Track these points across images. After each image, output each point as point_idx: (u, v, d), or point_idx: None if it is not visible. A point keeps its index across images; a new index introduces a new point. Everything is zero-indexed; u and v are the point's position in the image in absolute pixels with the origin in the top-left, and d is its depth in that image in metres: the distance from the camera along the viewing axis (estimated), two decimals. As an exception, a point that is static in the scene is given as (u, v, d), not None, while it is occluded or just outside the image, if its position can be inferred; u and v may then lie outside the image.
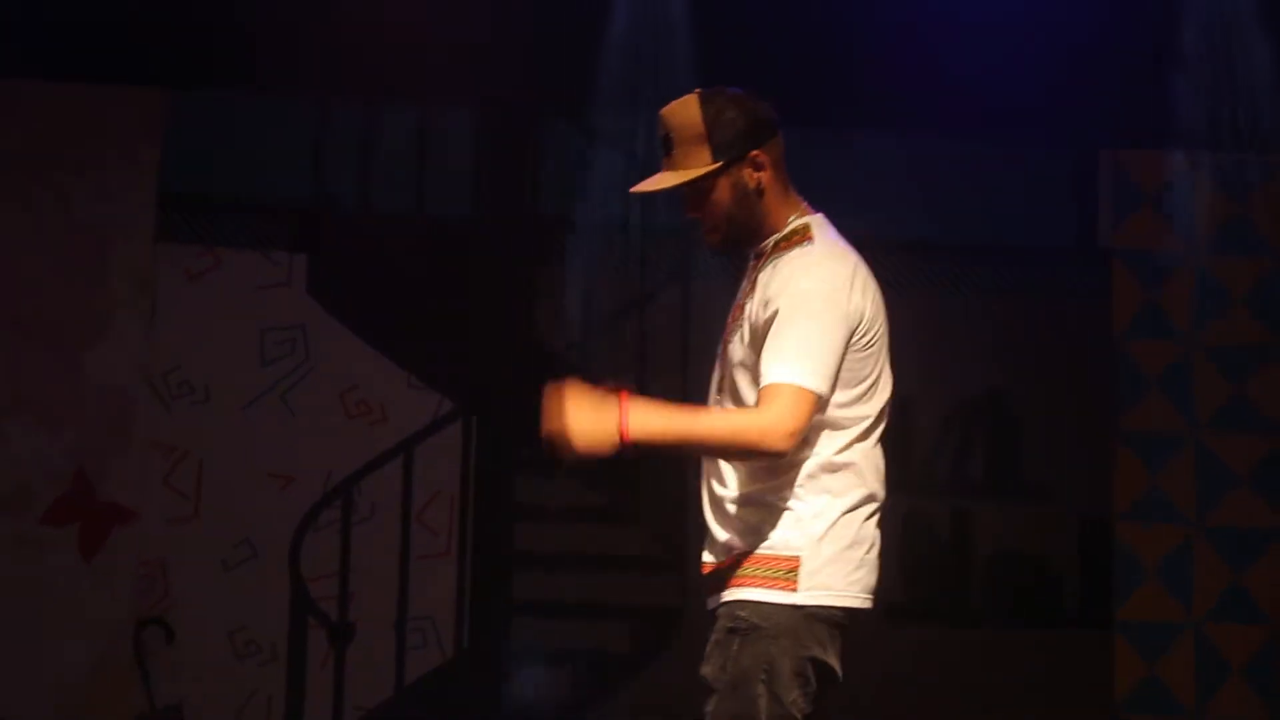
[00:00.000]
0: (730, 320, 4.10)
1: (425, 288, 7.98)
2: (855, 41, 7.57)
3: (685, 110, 4.05)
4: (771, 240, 4.07)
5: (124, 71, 7.66)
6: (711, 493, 4.07)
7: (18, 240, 7.60)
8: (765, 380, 3.92)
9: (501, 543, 7.95)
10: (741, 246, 4.10)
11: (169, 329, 7.77)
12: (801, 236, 4.07)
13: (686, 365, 7.68)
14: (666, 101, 4.11)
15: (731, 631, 3.98)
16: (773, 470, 4.00)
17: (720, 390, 4.09)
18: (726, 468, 4.04)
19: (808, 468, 4.03)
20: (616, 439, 3.85)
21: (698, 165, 4.02)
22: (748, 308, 4.03)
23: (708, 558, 4.08)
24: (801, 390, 3.90)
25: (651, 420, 3.88)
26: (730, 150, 4.03)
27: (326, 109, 8.11)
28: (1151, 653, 8.11)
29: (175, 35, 7.56)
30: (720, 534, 4.06)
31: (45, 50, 7.54)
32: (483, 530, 7.94)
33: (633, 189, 4.13)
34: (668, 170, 4.05)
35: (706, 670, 3.99)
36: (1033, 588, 8.32)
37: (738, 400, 4.03)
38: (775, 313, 3.96)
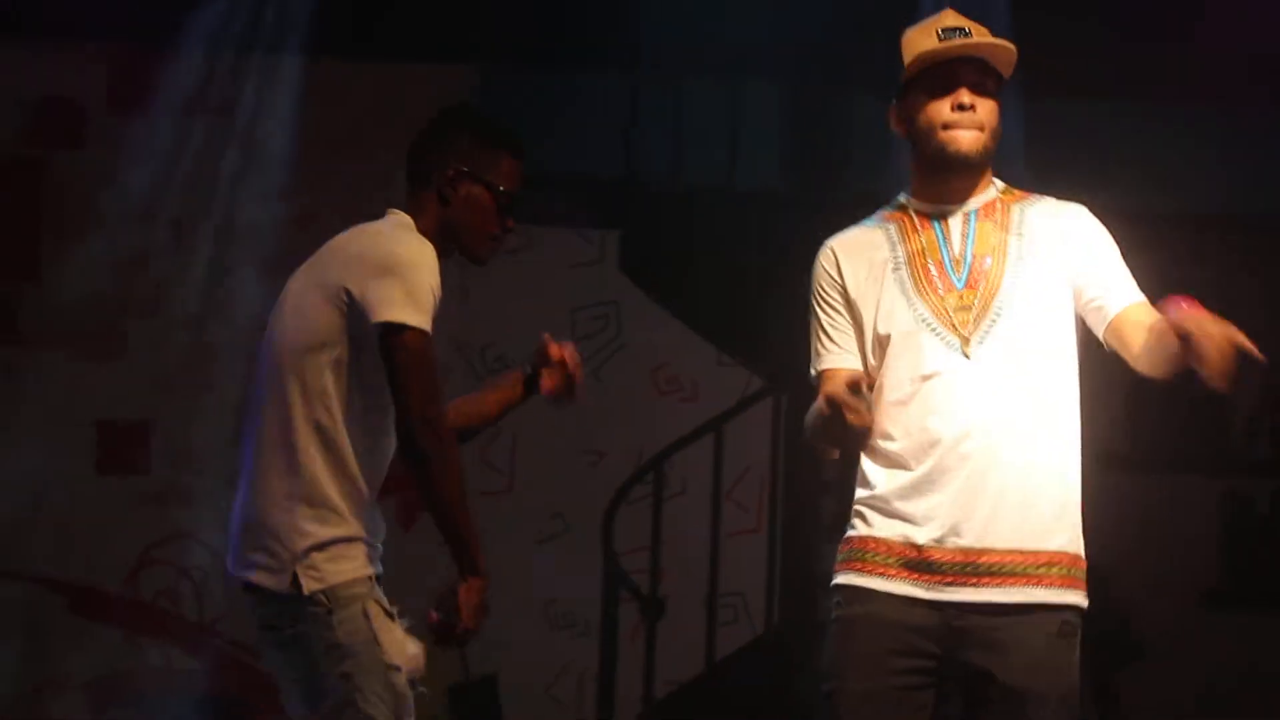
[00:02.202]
0: (974, 270, 3.87)
1: (736, 264, 7.98)
2: (1161, 13, 7.42)
3: (979, 25, 3.91)
4: (994, 192, 3.95)
5: (435, 50, 7.75)
6: (1005, 473, 3.83)
7: (342, 220, 7.72)
8: (1138, 297, 3.86)
9: (811, 519, 7.93)
10: (970, 173, 3.90)
11: (483, 306, 7.83)
12: (1023, 191, 4.00)
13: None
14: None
15: (1062, 638, 3.84)
16: (1071, 459, 3.88)
17: (973, 348, 3.83)
18: (1034, 451, 3.84)
19: (1079, 457, 3.94)
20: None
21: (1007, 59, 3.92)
22: (1025, 255, 3.87)
23: (987, 543, 3.82)
24: None
25: None
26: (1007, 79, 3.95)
27: (637, 85, 8.13)
28: None
29: (486, 12, 7.64)
30: (1048, 520, 3.85)
31: (358, 30, 7.67)
32: (793, 507, 7.94)
33: (958, 44, 3.87)
34: (974, 41, 3.86)
35: (1037, 683, 3.81)
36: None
37: (1030, 353, 3.84)
38: (1103, 245, 3.91)
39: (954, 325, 3.87)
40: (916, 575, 3.83)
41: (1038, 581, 3.82)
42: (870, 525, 3.88)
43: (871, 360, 3.95)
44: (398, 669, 4.02)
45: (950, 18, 3.92)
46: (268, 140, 7.72)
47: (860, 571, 3.88)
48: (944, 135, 3.87)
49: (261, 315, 4.32)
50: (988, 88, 3.88)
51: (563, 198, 8.03)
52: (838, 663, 3.88)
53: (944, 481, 3.82)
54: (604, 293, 8.02)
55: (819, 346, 4.03)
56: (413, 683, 4.05)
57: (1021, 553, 3.82)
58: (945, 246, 3.91)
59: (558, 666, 7.90)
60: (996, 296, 3.87)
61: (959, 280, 3.89)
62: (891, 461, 3.86)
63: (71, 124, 7.77)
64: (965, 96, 3.85)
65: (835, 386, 3.79)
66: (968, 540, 3.82)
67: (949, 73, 3.88)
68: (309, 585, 4.02)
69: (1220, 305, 3.76)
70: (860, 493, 3.92)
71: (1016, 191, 3.99)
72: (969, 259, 3.90)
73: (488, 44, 7.75)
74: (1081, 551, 3.90)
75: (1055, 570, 3.84)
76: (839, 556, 3.93)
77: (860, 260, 3.95)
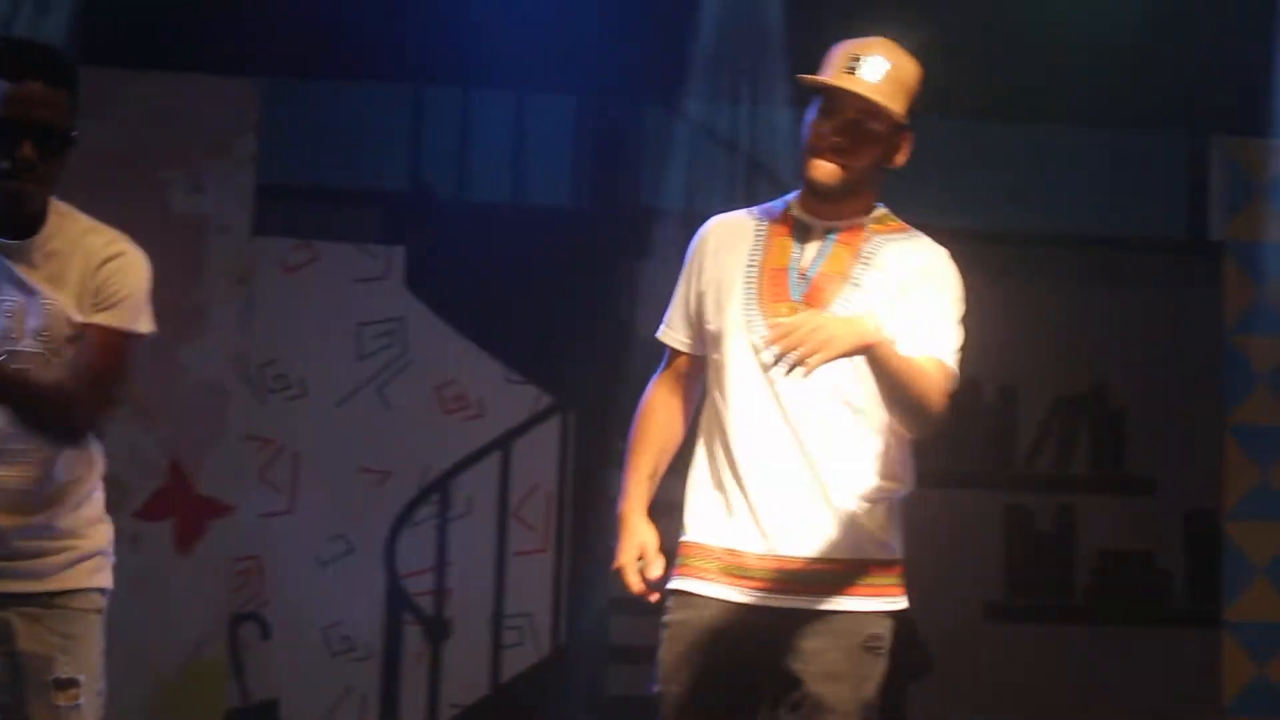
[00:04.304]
0: (815, 286, 3.95)
1: (524, 280, 7.94)
2: (963, 33, 7.48)
3: (905, 56, 4.01)
4: (865, 218, 4.01)
5: (218, 62, 7.62)
6: (818, 481, 3.93)
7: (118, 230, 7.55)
8: (936, 354, 3.88)
9: (600, 539, 7.87)
10: (832, 199, 3.98)
11: (265, 323, 7.76)
12: (898, 224, 4.06)
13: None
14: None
15: (866, 650, 3.93)
16: (891, 463, 3.95)
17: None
18: (847, 455, 3.92)
19: (909, 465, 4.02)
20: (873, 335, 3.72)
21: (897, 107, 3.97)
22: (862, 282, 3.94)
23: (799, 550, 3.91)
24: (955, 376, 3.93)
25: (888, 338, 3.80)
26: (911, 118, 4.01)
27: (421, 96, 8.04)
28: (1261, 654, 7.97)
29: (269, 25, 7.51)
30: (828, 529, 3.92)
31: (138, 41, 7.51)
32: (581, 526, 7.91)
33: (819, 80, 3.99)
34: (863, 88, 3.94)
35: (837, 691, 3.89)
36: (1139, 585, 8.22)
37: (853, 371, 3.90)
38: (927, 292, 3.94)
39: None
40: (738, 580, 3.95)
41: (841, 590, 3.92)
42: (695, 531, 4.00)
43: (708, 350, 4.05)
44: None
45: (878, 46, 4.01)
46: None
47: (689, 577, 3.99)
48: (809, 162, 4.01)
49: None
50: (874, 128, 3.98)
51: (346, 211, 7.96)
52: None
53: (757, 489, 3.92)
54: (389, 309, 7.92)
55: (670, 315, 4.12)
56: None
57: (799, 557, 3.92)
58: (798, 258, 3.98)
59: (339, 690, 7.77)
60: (826, 308, 3.92)
61: (797, 292, 3.94)
62: (717, 462, 3.97)
63: None
64: (830, 132, 3.97)
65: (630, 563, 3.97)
66: (785, 549, 3.93)
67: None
68: None
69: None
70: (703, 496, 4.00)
71: (893, 223, 4.05)
72: (813, 275, 3.95)
73: (269, 55, 7.63)
74: (887, 555, 3.98)
75: (841, 577, 3.92)
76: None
77: (727, 247, 4.03)
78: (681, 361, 4.11)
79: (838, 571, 3.91)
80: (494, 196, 8.04)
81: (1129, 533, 8.21)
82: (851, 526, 3.91)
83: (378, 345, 7.90)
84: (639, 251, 7.99)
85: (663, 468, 4.11)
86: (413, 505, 7.87)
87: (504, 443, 7.93)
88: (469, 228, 8.00)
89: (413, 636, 7.84)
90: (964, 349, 3.97)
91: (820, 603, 3.91)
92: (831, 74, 3.94)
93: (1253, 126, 7.92)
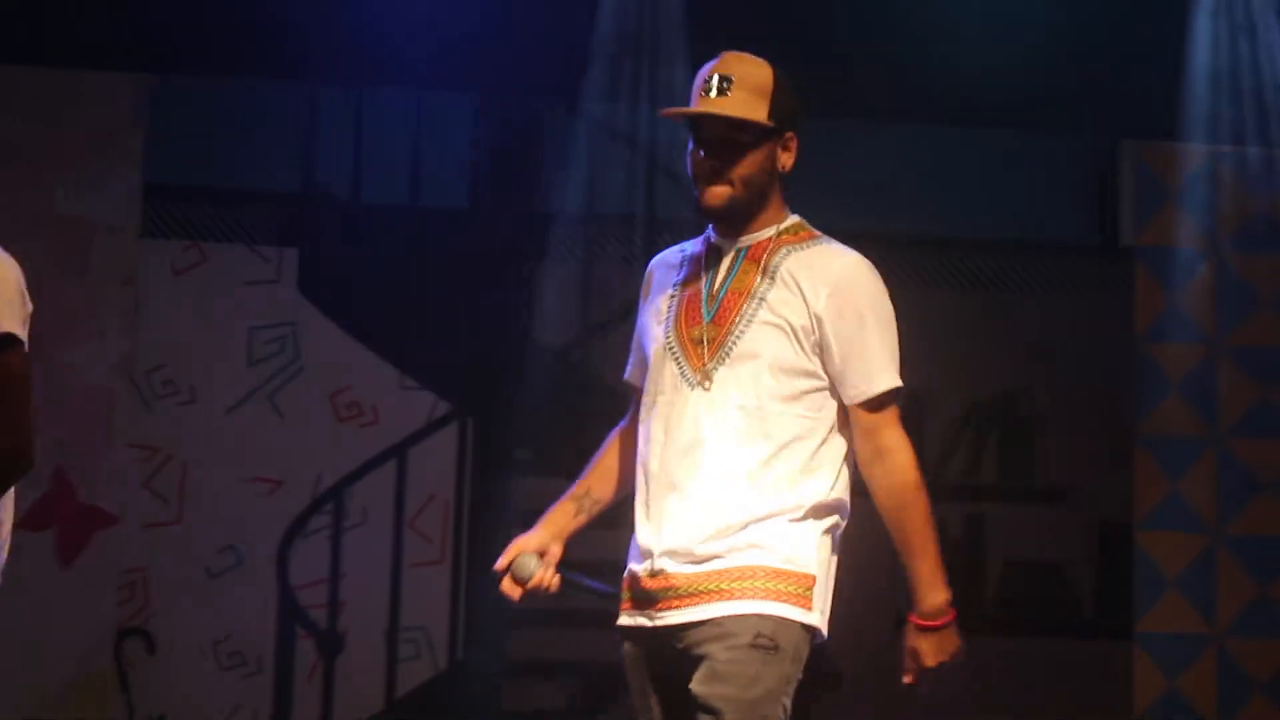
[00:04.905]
0: (724, 305, 3.99)
1: (420, 284, 7.87)
2: (868, 32, 7.50)
3: (755, 64, 4.03)
4: (773, 230, 4.03)
5: (105, 58, 7.56)
6: (705, 495, 3.94)
7: (3, 229, 7.46)
8: (877, 389, 3.96)
9: (498, 550, 7.77)
10: (734, 220, 4.02)
11: (153, 326, 7.67)
12: (809, 232, 4.06)
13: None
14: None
15: (754, 649, 3.87)
16: (798, 482, 3.95)
17: (705, 377, 3.97)
18: (737, 474, 3.93)
19: (829, 483, 4.02)
20: (944, 611, 4.15)
21: (756, 114, 3.97)
22: (767, 296, 3.96)
23: (680, 566, 3.93)
24: (901, 390, 4.00)
25: (937, 582, 4.14)
26: (783, 120, 4.01)
27: (316, 95, 7.93)
28: (1172, 666, 8.00)
29: (159, 19, 7.45)
30: (712, 542, 3.92)
31: (21, 34, 7.43)
32: (479, 537, 7.81)
33: (674, 110, 4.12)
34: (714, 106, 3.99)
35: (722, 691, 3.85)
36: (1049, 596, 8.21)
37: (757, 384, 3.94)
38: (846, 314, 3.95)
39: (691, 355, 4.00)
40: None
41: (727, 597, 3.93)
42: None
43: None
44: None
45: (724, 63, 4.05)
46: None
47: (621, 610, 4.12)
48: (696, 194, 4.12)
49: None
50: (743, 139, 4.00)
51: (237, 212, 7.82)
52: None
53: (651, 509, 4.00)
54: (281, 313, 7.82)
55: (631, 356, 4.22)
56: None
57: (682, 573, 3.96)
58: (710, 281, 4.04)
59: (229, 706, 7.68)
60: (730, 333, 3.96)
61: (708, 313, 4.00)
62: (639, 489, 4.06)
63: None
64: (705, 156, 4.03)
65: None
66: (670, 566, 4.00)
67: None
68: None
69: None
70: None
71: (803, 231, 4.06)
72: (722, 295, 4.00)
73: (158, 51, 7.56)
74: (783, 565, 3.95)
75: (725, 582, 3.93)
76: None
77: (660, 281, 4.15)
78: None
79: (724, 581, 3.92)
80: (389, 198, 7.96)
81: (1039, 543, 8.18)
82: (739, 539, 3.93)
83: (269, 350, 7.80)
84: (538, 254, 7.97)
85: (608, 490, 4.22)
86: (305, 515, 7.78)
87: (399, 451, 7.85)
88: (363, 229, 7.92)
89: (305, 650, 7.75)
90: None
91: (707, 612, 3.92)
92: (693, 103, 4.03)
93: (1164, 130, 7.96)
